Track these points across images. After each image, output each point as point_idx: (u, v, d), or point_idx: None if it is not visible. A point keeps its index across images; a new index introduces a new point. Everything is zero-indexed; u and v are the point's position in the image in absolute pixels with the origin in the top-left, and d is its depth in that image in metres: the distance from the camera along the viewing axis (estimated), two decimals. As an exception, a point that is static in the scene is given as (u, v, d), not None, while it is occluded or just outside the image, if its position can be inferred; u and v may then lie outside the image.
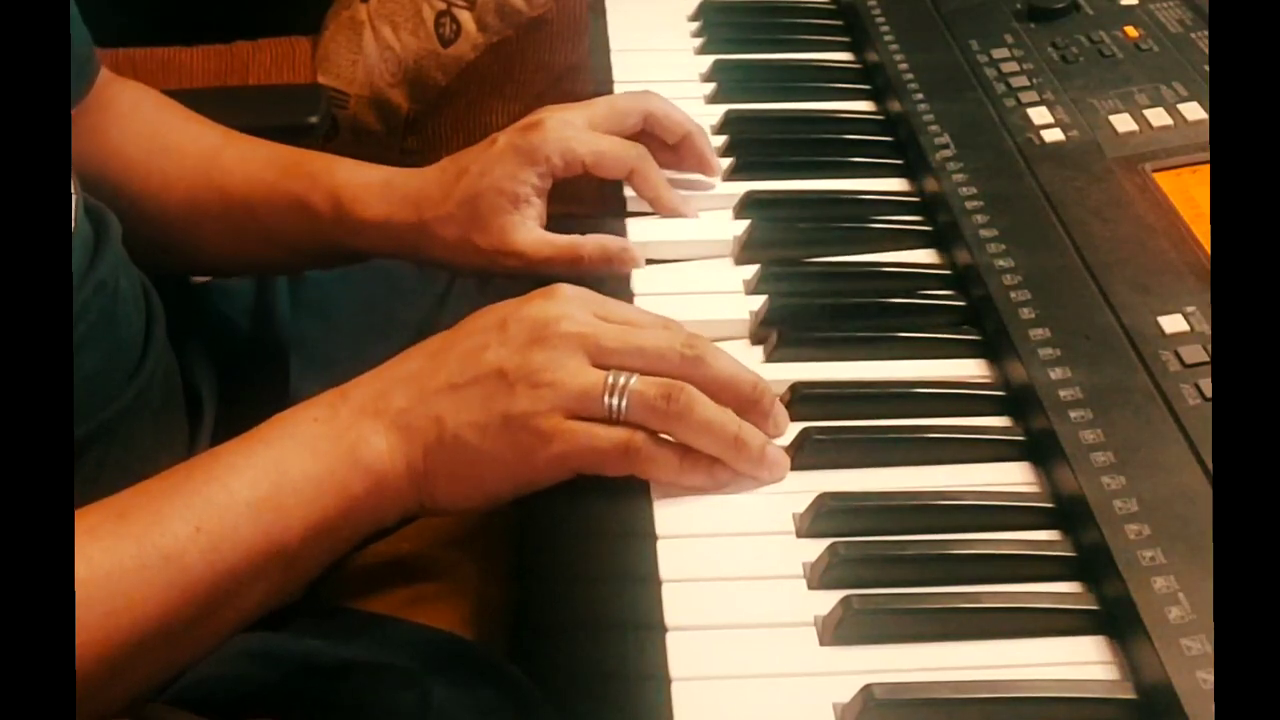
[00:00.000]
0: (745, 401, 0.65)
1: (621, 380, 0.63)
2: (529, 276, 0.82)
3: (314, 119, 1.19)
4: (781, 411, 0.67)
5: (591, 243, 0.80)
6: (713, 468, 0.64)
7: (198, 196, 0.89)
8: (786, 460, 0.65)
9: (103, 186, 0.85)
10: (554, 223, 0.83)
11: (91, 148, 0.87)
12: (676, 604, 0.59)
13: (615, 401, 0.62)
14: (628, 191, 0.84)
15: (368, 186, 0.85)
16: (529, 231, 0.81)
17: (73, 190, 0.76)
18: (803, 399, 0.69)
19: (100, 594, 0.58)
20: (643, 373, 0.64)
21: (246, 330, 0.99)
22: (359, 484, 0.63)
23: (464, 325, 0.67)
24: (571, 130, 0.82)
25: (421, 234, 0.83)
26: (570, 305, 0.66)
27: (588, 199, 0.87)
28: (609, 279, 0.80)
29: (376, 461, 0.63)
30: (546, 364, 0.63)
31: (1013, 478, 0.65)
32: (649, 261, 0.80)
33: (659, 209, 0.84)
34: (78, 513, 0.60)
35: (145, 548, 0.59)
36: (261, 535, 0.61)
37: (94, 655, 0.57)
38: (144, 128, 0.91)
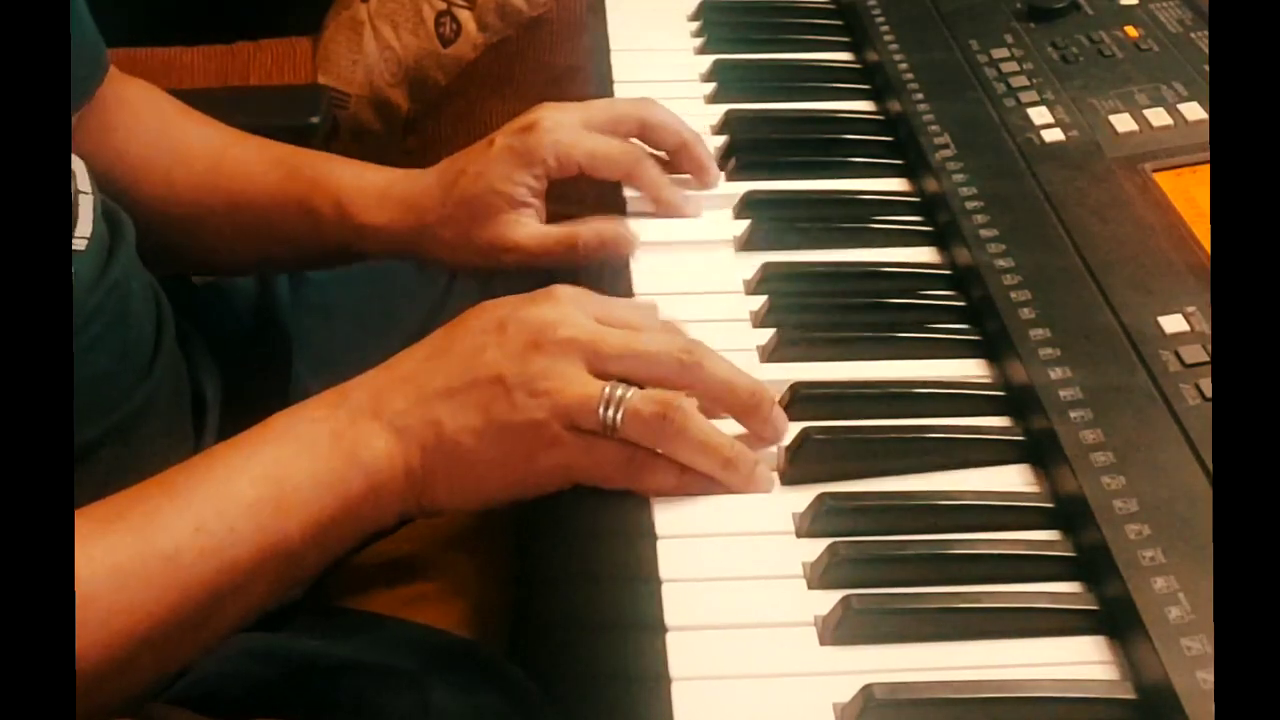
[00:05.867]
0: (743, 407, 0.65)
1: (619, 393, 0.62)
2: (529, 271, 0.82)
3: (315, 119, 1.19)
4: (781, 416, 0.67)
5: (587, 229, 0.81)
6: (706, 483, 0.64)
7: (203, 198, 0.89)
8: (774, 479, 0.65)
9: (110, 185, 0.86)
10: (553, 222, 0.83)
11: (100, 146, 0.88)
12: (676, 604, 0.58)
13: (611, 414, 0.62)
14: (627, 191, 0.84)
15: (368, 191, 0.85)
16: (525, 226, 0.81)
17: (90, 190, 0.76)
18: (803, 399, 0.68)
19: (101, 593, 0.58)
20: (640, 379, 0.63)
21: (248, 330, 0.99)
22: (357, 484, 0.63)
23: (462, 323, 0.67)
24: (566, 132, 0.82)
25: (422, 236, 0.83)
26: (569, 308, 0.65)
27: (587, 199, 0.87)
28: (609, 277, 0.80)
29: (374, 462, 0.63)
30: (544, 371, 0.63)
31: (1013, 478, 0.65)
32: (650, 264, 0.80)
33: (661, 210, 0.83)
34: (78, 512, 0.60)
35: (146, 547, 0.59)
36: (262, 534, 0.61)
37: (95, 654, 0.57)
38: (151, 127, 0.91)
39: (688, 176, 0.86)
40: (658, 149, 0.85)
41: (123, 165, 0.89)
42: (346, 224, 0.85)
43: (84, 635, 0.56)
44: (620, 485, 0.63)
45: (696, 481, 0.63)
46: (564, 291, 0.66)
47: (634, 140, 0.84)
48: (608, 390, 0.62)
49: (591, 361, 0.63)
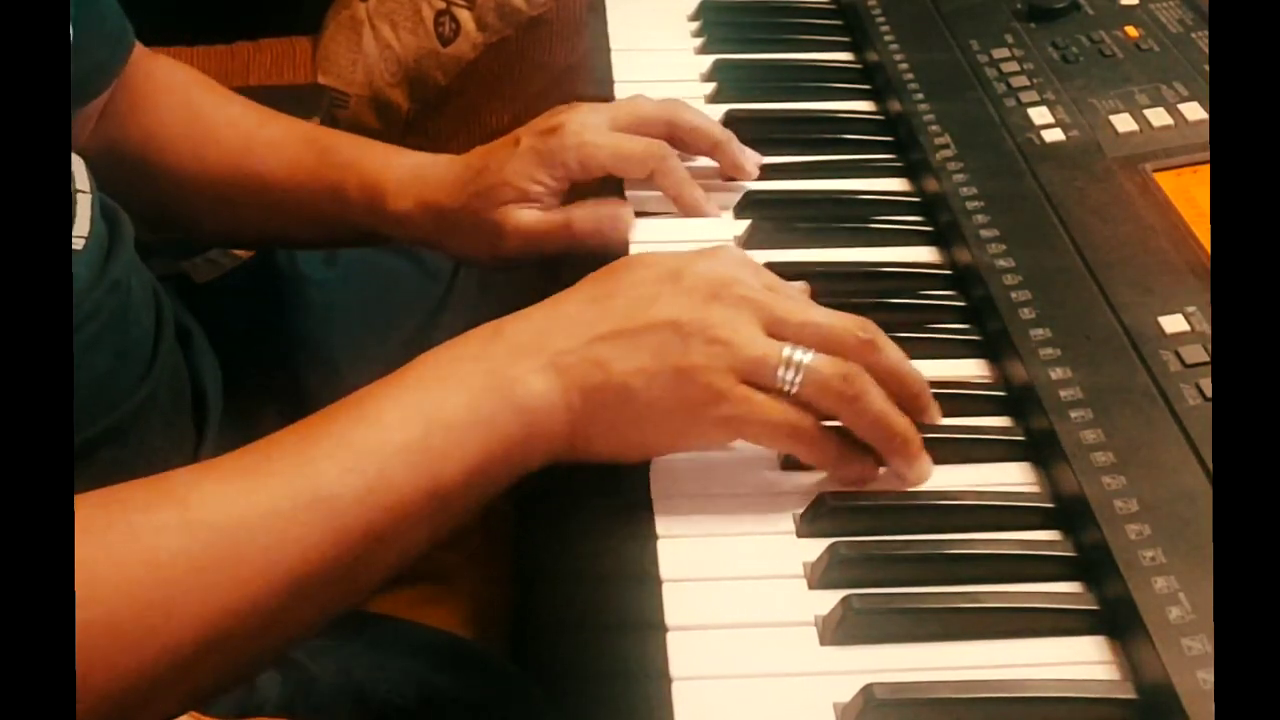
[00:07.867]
0: (909, 396, 0.65)
1: (798, 355, 0.61)
2: (528, 261, 0.82)
3: (316, 119, 1.19)
4: (937, 416, 0.66)
5: (581, 210, 0.81)
6: (866, 464, 0.63)
7: (234, 178, 0.90)
8: (932, 467, 0.64)
9: (140, 163, 0.86)
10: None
11: (130, 124, 0.88)
12: (676, 604, 0.59)
13: (790, 375, 0.61)
14: (629, 191, 0.84)
15: (397, 176, 0.86)
16: (524, 213, 0.81)
17: (88, 189, 0.76)
18: (803, 399, 0.68)
19: (258, 538, 0.55)
20: (818, 350, 0.62)
21: (250, 328, 0.99)
22: (514, 424, 0.61)
23: (621, 273, 0.65)
24: (590, 133, 0.82)
25: (439, 224, 0.84)
26: (744, 270, 0.64)
27: (589, 196, 0.87)
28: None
29: (533, 401, 0.61)
30: (724, 321, 0.62)
31: (1013, 478, 0.65)
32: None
33: (681, 208, 0.83)
34: (211, 462, 0.58)
35: (297, 489, 0.57)
36: (414, 478, 0.59)
37: (252, 599, 0.55)
38: (182, 106, 0.92)
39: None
40: (688, 151, 0.85)
41: (155, 143, 0.89)
42: (373, 209, 0.86)
43: (242, 584, 0.55)
44: (781, 448, 0.63)
45: (854, 463, 0.63)
46: (735, 252, 0.66)
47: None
48: (788, 351, 0.61)
49: (768, 323, 0.62)
